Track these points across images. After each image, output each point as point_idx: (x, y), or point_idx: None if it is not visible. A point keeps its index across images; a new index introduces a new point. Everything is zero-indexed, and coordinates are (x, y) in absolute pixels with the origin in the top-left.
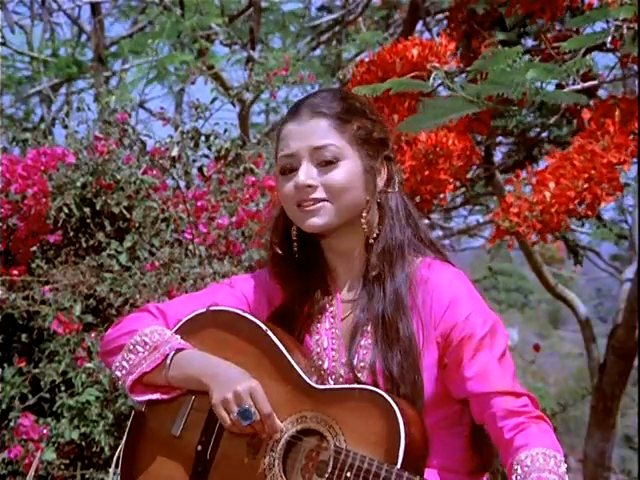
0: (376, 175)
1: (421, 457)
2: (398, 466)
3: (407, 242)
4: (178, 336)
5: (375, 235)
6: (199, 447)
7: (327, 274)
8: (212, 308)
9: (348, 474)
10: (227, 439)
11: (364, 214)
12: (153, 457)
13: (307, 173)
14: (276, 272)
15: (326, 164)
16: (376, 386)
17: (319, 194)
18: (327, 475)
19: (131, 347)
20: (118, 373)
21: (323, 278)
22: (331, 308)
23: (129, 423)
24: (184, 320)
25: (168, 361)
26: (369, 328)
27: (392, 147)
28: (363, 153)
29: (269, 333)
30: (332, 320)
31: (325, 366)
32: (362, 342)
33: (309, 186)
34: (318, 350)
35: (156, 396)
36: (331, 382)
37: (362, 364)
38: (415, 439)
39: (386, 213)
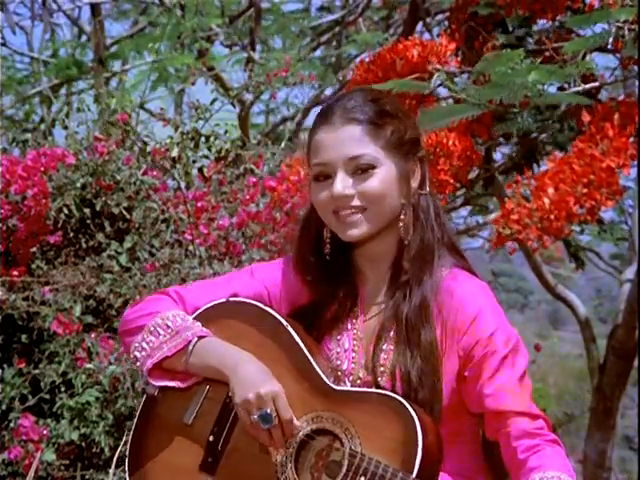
0: (410, 177)
1: (436, 465)
2: (414, 475)
3: (437, 245)
4: (199, 323)
5: (409, 237)
6: (211, 437)
7: (355, 276)
8: (232, 299)
9: (362, 479)
10: (240, 432)
11: (402, 216)
12: (163, 444)
13: (343, 183)
14: (305, 274)
15: (362, 172)
16: (394, 391)
17: (356, 202)
18: (341, 477)
19: (152, 329)
20: (137, 354)
21: (351, 280)
22: (355, 309)
23: (140, 407)
24: (203, 308)
25: (190, 347)
26: (391, 334)
27: (423, 144)
28: (397, 157)
29: (289, 329)
30: (354, 321)
31: (344, 367)
32: (384, 347)
33: (346, 196)
34: (338, 350)
35: (173, 384)
36: (348, 383)
37: (382, 368)
38: (431, 447)
39: (419, 215)
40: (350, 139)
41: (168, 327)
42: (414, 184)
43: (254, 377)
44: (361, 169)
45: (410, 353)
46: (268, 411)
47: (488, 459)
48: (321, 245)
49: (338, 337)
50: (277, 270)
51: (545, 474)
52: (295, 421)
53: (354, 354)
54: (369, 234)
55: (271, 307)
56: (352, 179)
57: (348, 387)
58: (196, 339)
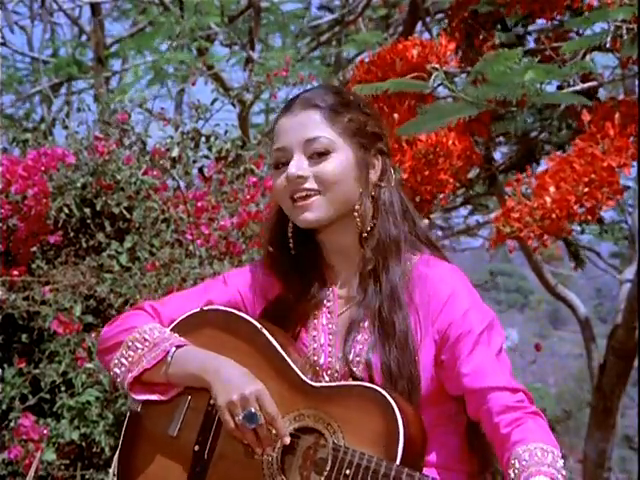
0: (369, 168)
1: (419, 456)
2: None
3: (403, 237)
4: (176, 334)
5: (369, 229)
6: (196, 447)
7: (325, 271)
8: (206, 307)
9: (347, 471)
10: (225, 439)
11: (357, 206)
12: (150, 458)
13: (298, 165)
14: (273, 270)
15: (318, 156)
16: (372, 381)
17: (310, 185)
18: (326, 473)
19: (130, 344)
20: (117, 370)
21: (321, 275)
22: (328, 304)
23: (125, 423)
24: (179, 319)
25: (169, 358)
26: (366, 324)
27: (387, 142)
28: (356, 145)
29: (264, 331)
30: (329, 316)
31: (321, 362)
32: (358, 337)
33: (300, 177)
34: (315, 346)
35: (154, 397)
36: (326, 377)
37: (358, 359)
38: (414, 437)
39: (380, 207)
40: (307, 122)
41: (146, 340)
42: (373, 176)
43: (236, 379)
44: (317, 153)
45: (387, 345)
46: (253, 410)
47: (473, 447)
48: (286, 241)
49: (314, 333)
50: (248, 274)
51: (528, 446)
52: (284, 427)
53: (330, 348)
54: (323, 219)
55: (246, 311)
56: (308, 162)
57: (327, 382)
58: (174, 349)
